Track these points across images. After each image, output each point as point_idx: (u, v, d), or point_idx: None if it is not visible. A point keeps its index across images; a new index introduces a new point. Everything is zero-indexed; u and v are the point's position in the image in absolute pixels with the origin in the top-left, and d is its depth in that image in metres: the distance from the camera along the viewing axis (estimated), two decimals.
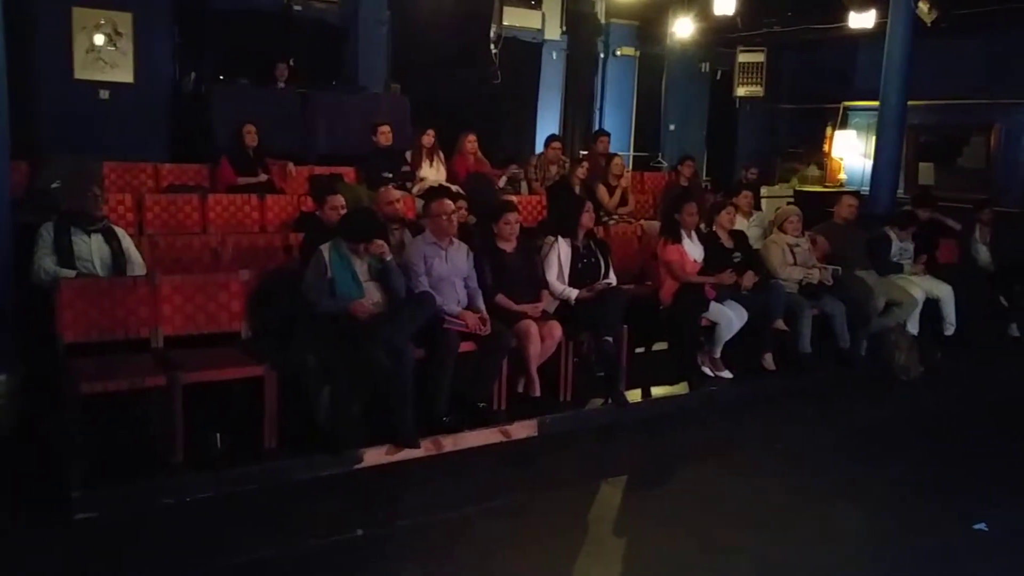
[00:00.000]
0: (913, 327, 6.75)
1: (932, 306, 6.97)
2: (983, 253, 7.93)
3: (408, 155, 8.21)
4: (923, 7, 8.69)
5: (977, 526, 4.08)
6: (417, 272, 4.92)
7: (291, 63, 9.25)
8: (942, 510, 4.29)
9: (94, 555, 3.63)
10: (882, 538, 4.01)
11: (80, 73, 8.44)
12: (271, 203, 7.00)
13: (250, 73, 9.05)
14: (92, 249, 4.90)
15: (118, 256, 4.97)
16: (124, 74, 8.68)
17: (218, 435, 4.49)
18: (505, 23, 9.99)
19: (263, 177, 7.56)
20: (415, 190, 7.61)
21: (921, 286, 6.94)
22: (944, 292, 7.01)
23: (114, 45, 8.56)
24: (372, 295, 4.75)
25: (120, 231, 5.13)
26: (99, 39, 8.49)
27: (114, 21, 8.54)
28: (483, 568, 3.63)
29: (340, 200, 5.49)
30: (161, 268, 5.21)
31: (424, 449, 4.65)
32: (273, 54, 9.21)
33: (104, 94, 8.60)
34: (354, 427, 4.51)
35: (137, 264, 5.06)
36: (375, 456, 4.55)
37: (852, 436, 5.39)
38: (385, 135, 8.00)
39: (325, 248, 4.73)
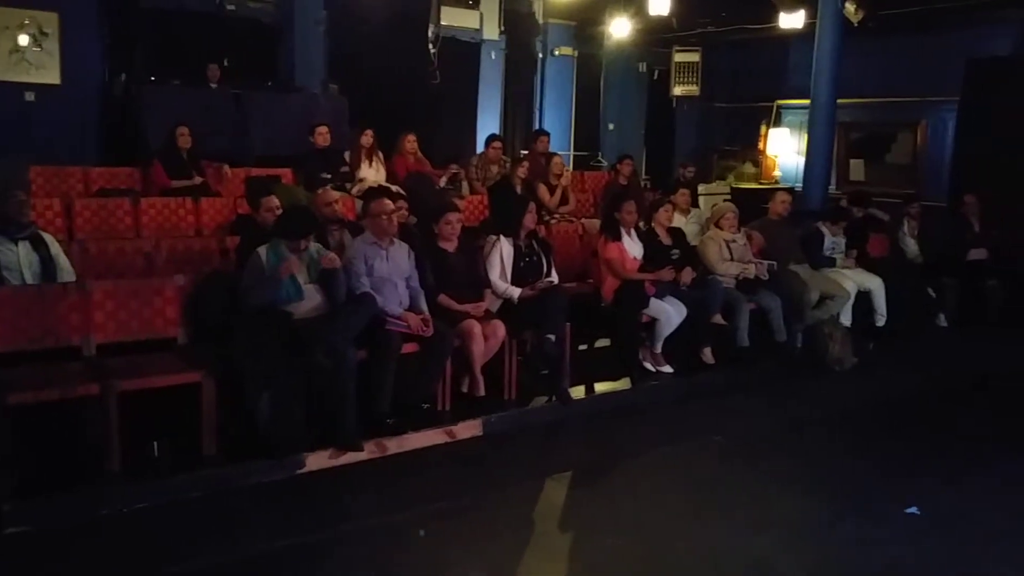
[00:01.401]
0: (846, 319, 6.94)
1: (864, 298, 7.16)
2: (911, 246, 8.18)
3: (347, 156, 8.14)
4: (850, 7, 8.94)
5: (909, 510, 4.21)
6: (358, 273, 4.88)
7: (224, 63, 9.10)
8: (875, 496, 4.41)
9: (27, 570, 3.52)
10: (817, 525, 4.12)
11: (3, 75, 8.19)
12: (206, 206, 6.88)
13: (182, 74, 8.87)
14: (20, 258, 4.75)
15: (47, 263, 4.83)
16: (50, 75, 8.45)
17: (155, 443, 4.40)
18: (443, 23, 9.96)
19: (197, 180, 7.43)
20: (354, 191, 7.55)
21: (853, 279, 7.13)
22: (875, 284, 7.22)
23: (39, 46, 8.33)
24: (312, 297, 4.71)
25: (49, 237, 4.99)
26: (23, 40, 8.25)
27: (39, 21, 8.31)
28: (430, 570, 3.62)
29: (275, 202, 5.42)
30: (92, 274, 5.09)
31: (368, 452, 4.61)
32: (205, 54, 9.04)
33: (29, 96, 8.36)
34: (296, 431, 4.45)
35: (66, 271, 4.92)
36: (318, 460, 4.50)
37: (789, 427, 5.51)
38: (323, 136, 7.92)
39: (262, 250, 4.67)
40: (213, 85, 8.98)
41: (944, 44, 10.47)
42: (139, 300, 4.73)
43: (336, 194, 5.89)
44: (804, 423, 5.58)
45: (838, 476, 4.70)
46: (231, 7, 9.47)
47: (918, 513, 4.19)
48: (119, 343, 4.65)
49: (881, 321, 7.24)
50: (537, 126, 11.58)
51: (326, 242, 5.19)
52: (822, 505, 4.31)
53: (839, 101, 9.38)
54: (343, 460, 4.54)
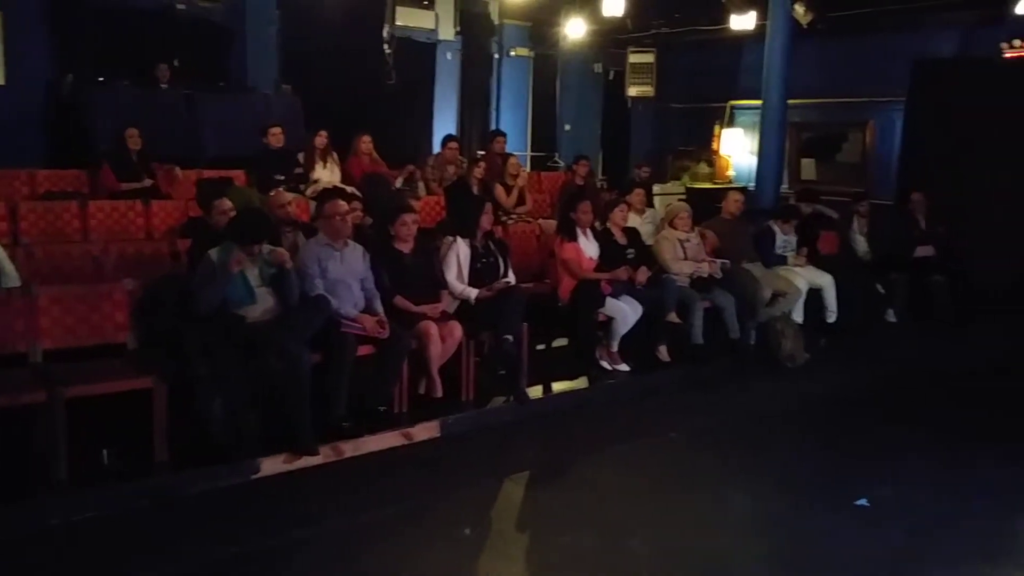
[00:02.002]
0: (798, 316, 7.06)
1: (815, 295, 7.28)
2: (861, 243, 8.34)
3: (301, 157, 8.07)
4: (799, 9, 9.10)
5: (859, 502, 4.30)
6: (311, 275, 4.84)
7: (174, 63, 8.96)
8: (828, 489, 4.49)
9: None
10: (772, 519, 4.19)
11: None
12: (157, 209, 6.77)
13: (131, 74, 8.72)
14: None
15: None
16: None
17: (105, 450, 4.31)
18: (398, 23, 9.93)
19: (147, 182, 7.31)
20: (308, 192, 7.49)
21: (804, 276, 7.25)
22: (826, 281, 7.34)
23: None
24: (264, 300, 4.65)
25: None
26: None
27: None
28: (388, 572, 3.60)
29: (228, 204, 5.35)
30: (39, 279, 4.98)
31: (324, 456, 4.58)
32: (155, 54, 8.90)
33: None
34: (249, 436, 4.41)
35: (12, 276, 4.81)
36: (273, 465, 4.45)
37: (743, 423, 5.59)
38: (276, 137, 7.84)
39: (213, 253, 4.60)
40: (163, 85, 8.84)
41: (891, 45, 10.70)
42: (87, 305, 4.64)
43: (289, 196, 5.84)
44: (758, 419, 5.66)
45: (791, 470, 4.78)
46: (181, 6, 9.32)
47: (868, 505, 4.28)
48: (67, 349, 4.56)
49: (832, 317, 7.37)
50: (494, 127, 11.57)
51: (280, 244, 5.14)
52: (776, 499, 4.39)
53: (790, 101, 9.53)
54: (299, 464, 4.50)
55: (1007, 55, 9.10)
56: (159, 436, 4.30)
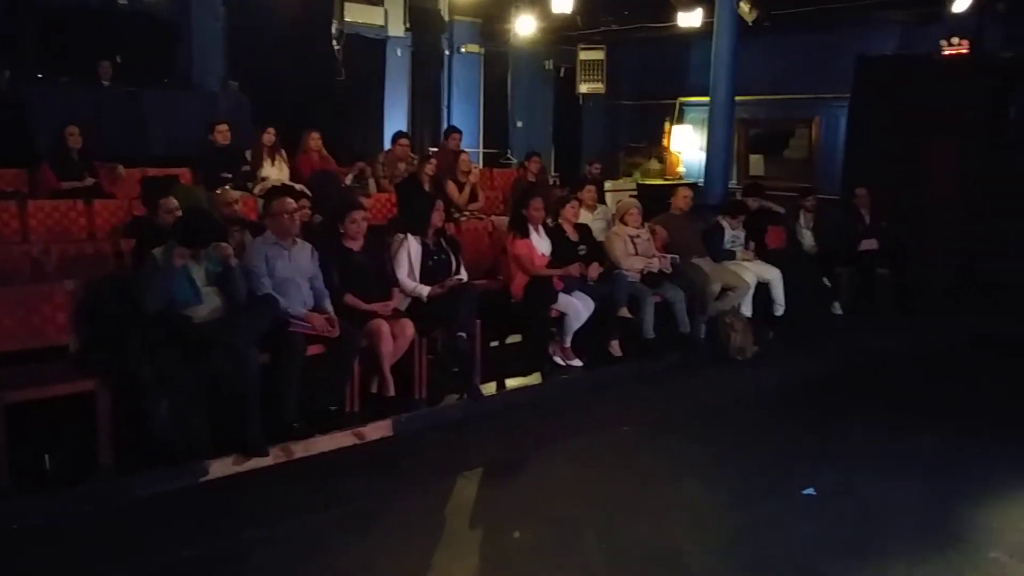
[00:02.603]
0: (747, 310, 7.16)
1: (763, 289, 7.40)
2: (807, 238, 8.49)
3: (248, 155, 7.96)
4: (744, 7, 9.22)
5: (806, 491, 4.39)
6: (259, 274, 4.77)
7: (117, 60, 8.76)
8: (776, 479, 4.57)
9: None
10: (721, 509, 4.25)
11: None
12: (100, 208, 6.62)
13: (72, 71, 8.50)
14: None
15: None
16: None
17: (47, 455, 4.21)
18: (347, 19, 9.85)
19: (89, 181, 7.14)
20: (256, 190, 7.39)
21: (752, 271, 7.36)
22: (773, 276, 7.46)
23: None
24: (211, 301, 4.58)
25: None
26: None
27: None
28: (341, 573, 3.57)
29: (174, 203, 5.25)
30: None
31: (274, 457, 4.52)
32: (97, 51, 8.69)
33: None
34: (197, 438, 4.33)
35: None
36: (222, 467, 4.39)
37: (694, 415, 5.66)
38: (223, 134, 7.73)
39: (158, 252, 4.51)
40: (105, 83, 8.64)
41: (836, 43, 10.92)
42: (26, 307, 4.52)
43: (237, 194, 5.76)
44: (708, 411, 5.74)
45: (741, 461, 4.85)
46: (124, 2, 9.12)
47: (815, 494, 4.36)
48: (6, 353, 4.42)
49: (780, 311, 7.49)
50: (446, 123, 11.54)
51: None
52: (727, 489, 4.45)
53: (738, 98, 9.67)
54: (248, 466, 4.44)
55: (945, 52, 9.33)
56: (103, 440, 4.21)
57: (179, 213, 5.12)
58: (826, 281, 8.22)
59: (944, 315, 8.50)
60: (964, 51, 9.25)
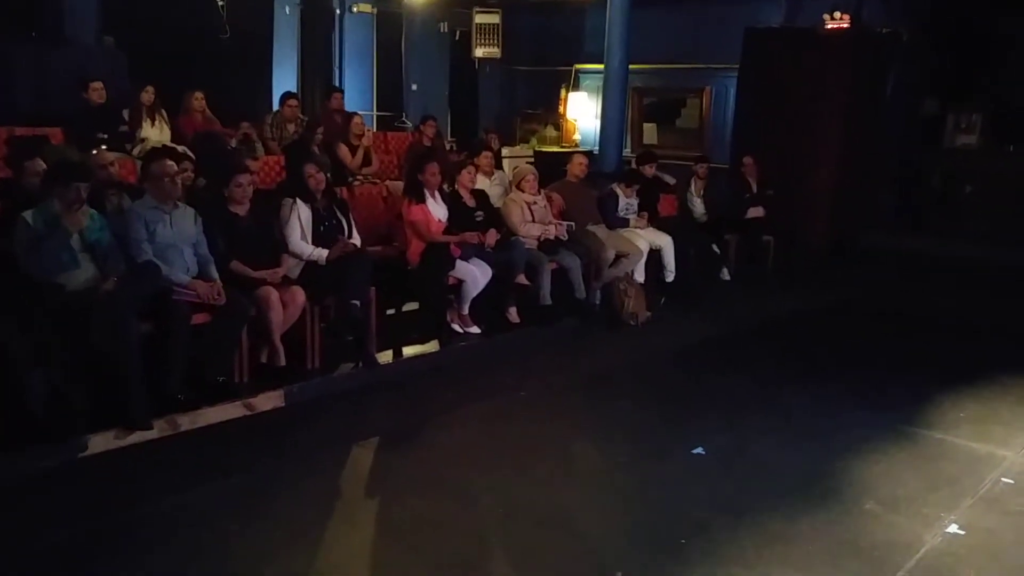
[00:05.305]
0: (639, 276, 7.30)
1: (655, 256, 7.55)
2: (698, 205, 8.69)
3: (126, 114, 7.52)
4: None
5: (695, 451, 4.52)
6: (138, 240, 4.54)
7: None
8: (667, 439, 4.69)
9: None
10: (614, 470, 4.34)
11: None
12: None
13: None
14: None
15: None
16: None
17: None
18: None
19: None
20: (135, 152, 7.01)
21: (645, 238, 7.49)
22: (665, 242, 7.62)
23: None
24: (87, 268, 4.32)
25: None
26: None
27: None
28: (230, 547, 3.47)
29: (42, 165, 4.89)
30: None
31: (158, 430, 4.35)
32: None
33: None
34: (75, 412, 4.10)
35: None
36: (103, 442, 4.19)
37: (589, 379, 5.74)
38: (97, 92, 7.29)
39: (28, 214, 4.22)
40: None
41: (725, 14, 11.11)
42: None
43: (113, 155, 5.45)
44: (604, 375, 5.83)
45: (635, 423, 4.96)
46: None
47: (704, 453, 4.50)
48: None
49: (671, 277, 7.66)
50: (337, 85, 11.20)
51: (103, 208, 4.78)
52: (618, 451, 4.54)
53: (632, 67, 9.75)
54: (131, 440, 4.25)
55: (828, 26, 9.65)
56: None
57: None
58: (715, 248, 8.45)
59: (824, 281, 8.89)
60: (845, 25, 9.58)
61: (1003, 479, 4.29)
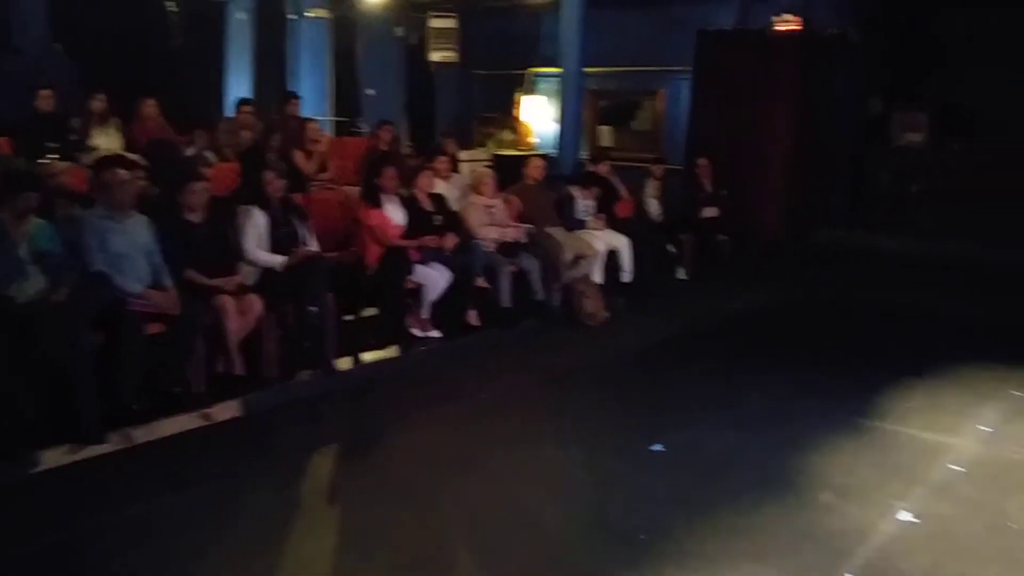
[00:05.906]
0: (597, 277, 7.36)
1: (612, 257, 7.62)
2: (654, 207, 8.79)
3: (76, 123, 7.40)
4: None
5: (655, 447, 4.58)
6: (89, 249, 4.47)
7: None
8: (626, 437, 4.74)
9: None
10: (575, 468, 4.38)
11: None
12: None
13: None
14: None
15: None
16: None
17: None
18: None
19: None
20: (86, 160, 6.88)
21: (602, 239, 7.56)
22: (622, 243, 7.69)
23: None
24: (36, 279, 4.24)
25: None
26: None
27: None
28: (188, 561, 3.43)
29: None
30: None
31: (113, 443, 4.28)
32: None
33: None
34: (24, 427, 4.02)
35: None
36: (55, 457, 4.12)
37: (549, 380, 5.77)
38: (46, 100, 7.19)
39: None
40: None
41: (678, 16, 11.23)
42: None
43: (62, 164, 5.35)
44: (564, 376, 5.87)
45: (594, 422, 5.00)
46: None
47: (663, 449, 4.56)
48: None
49: (628, 277, 7.74)
50: (292, 90, 11.11)
51: (52, 218, 4.70)
52: (579, 451, 4.58)
53: (588, 70, 9.79)
54: (84, 455, 4.18)
55: (777, 28, 9.82)
56: None
57: None
58: (671, 248, 8.55)
59: (778, 278, 9.03)
60: (796, 27, 9.76)
61: (952, 466, 4.41)
